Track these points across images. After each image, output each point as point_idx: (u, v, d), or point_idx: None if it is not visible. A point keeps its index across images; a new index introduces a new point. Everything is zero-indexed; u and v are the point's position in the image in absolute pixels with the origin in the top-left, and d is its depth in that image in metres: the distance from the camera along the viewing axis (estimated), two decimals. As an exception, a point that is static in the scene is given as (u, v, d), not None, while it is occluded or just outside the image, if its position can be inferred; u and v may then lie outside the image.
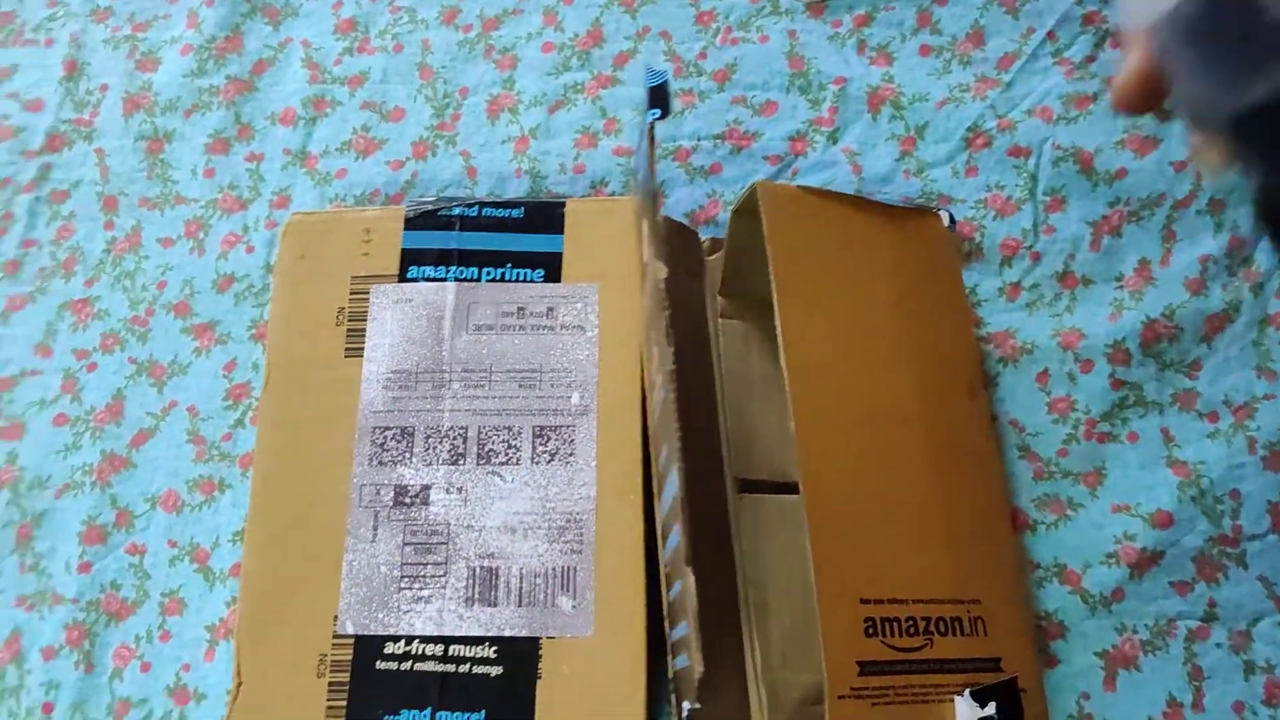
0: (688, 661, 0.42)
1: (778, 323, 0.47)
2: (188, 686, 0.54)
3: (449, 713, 0.45)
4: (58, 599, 0.56)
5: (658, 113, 0.44)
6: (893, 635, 0.47)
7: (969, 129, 0.61)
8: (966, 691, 0.46)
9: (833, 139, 0.62)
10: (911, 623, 0.47)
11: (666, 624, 0.46)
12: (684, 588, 0.42)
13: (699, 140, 0.62)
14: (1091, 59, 0.62)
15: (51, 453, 0.59)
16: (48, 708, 0.54)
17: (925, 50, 0.63)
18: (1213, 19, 0.24)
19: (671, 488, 0.44)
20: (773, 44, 0.64)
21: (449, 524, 0.48)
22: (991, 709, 0.45)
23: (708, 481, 0.51)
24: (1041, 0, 0.63)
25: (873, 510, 0.49)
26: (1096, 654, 0.51)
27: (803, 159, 0.61)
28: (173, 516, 0.57)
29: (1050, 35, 0.62)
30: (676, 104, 0.62)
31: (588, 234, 0.53)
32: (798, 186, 0.55)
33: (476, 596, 0.47)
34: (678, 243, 0.54)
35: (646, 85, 0.44)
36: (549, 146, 0.63)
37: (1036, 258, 0.58)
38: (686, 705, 0.42)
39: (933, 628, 0.47)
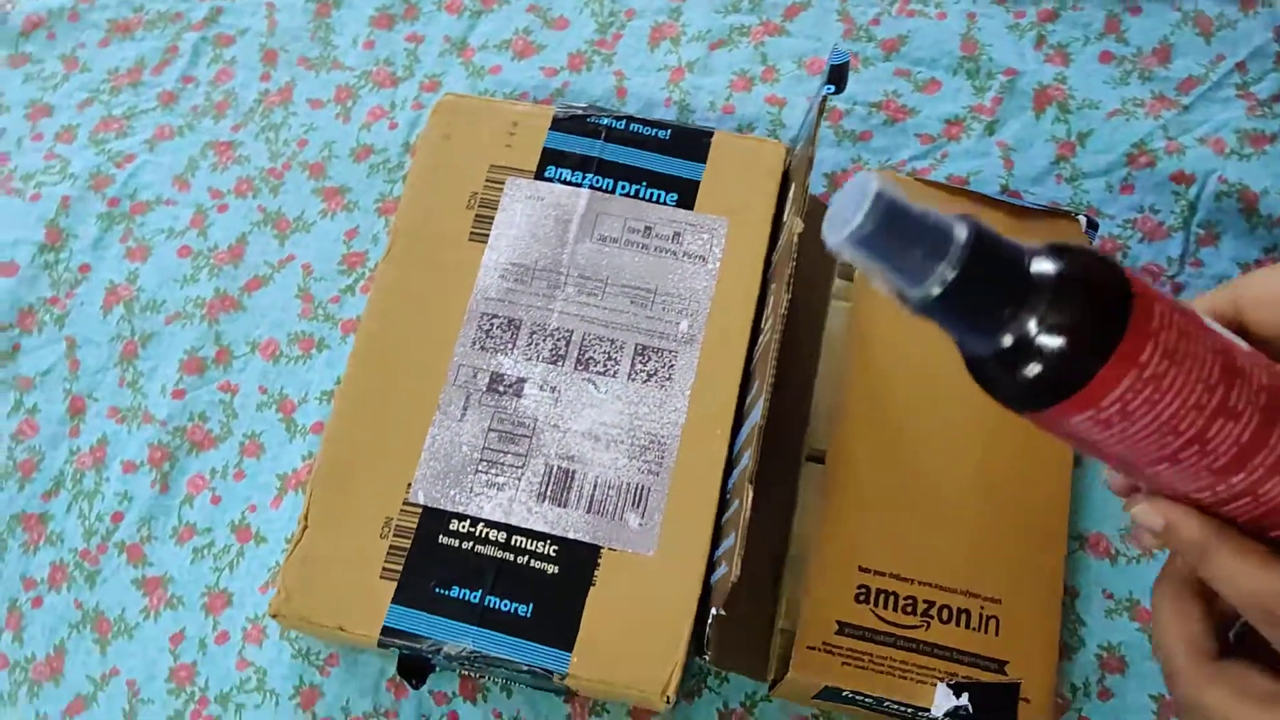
0: (726, 570, 0.42)
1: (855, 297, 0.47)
2: (251, 526, 0.55)
3: (498, 598, 0.46)
4: (148, 418, 0.57)
5: (833, 89, 0.44)
6: (885, 608, 0.47)
7: (1134, 145, 0.59)
8: (943, 685, 0.46)
9: (990, 130, 0.60)
10: (910, 601, 0.47)
11: (716, 542, 0.46)
12: (740, 504, 0.42)
13: (854, 104, 0.61)
14: (1277, 99, 0.59)
15: (170, 280, 0.61)
16: (117, 517, 0.56)
17: (1106, 57, 0.61)
18: (884, 234, 0.28)
19: (754, 418, 0.44)
20: (949, 23, 0.62)
21: (536, 420, 0.48)
22: (964, 700, 0.45)
23: (788, 442, 0.50)
24: (1238, 29, 0.60)
25: (901, 488, 0.49)
26: (1151, 696, 0.49)
27: (955, 144, 0.60)
28: (269, 364, 0.58)
29: (1240, 66, 0.60)
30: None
31: (728, 168, 0.53)
32: (918, 179, 0.54)
33: (548, 494, 0.47)
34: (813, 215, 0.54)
35: (830, 62, 0.44)
36: (703, 83, 0.62)
37: (1178, 288, 0.56)
38: (714, 611, 0.42)
39: (934, 612, 0.47)
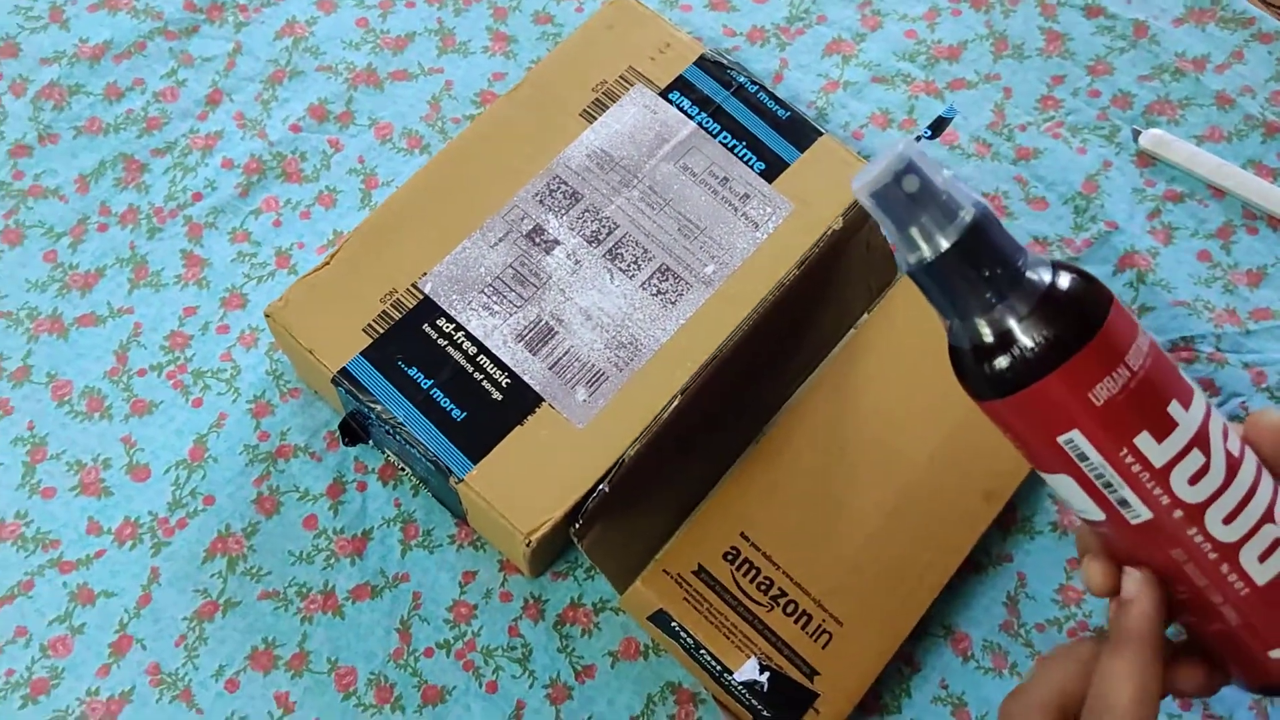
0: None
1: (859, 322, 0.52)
2: (291, 258, 0.62)
3: (443, 394, 0.51)
4: (262, 135, 0.65)
5: (930, 134, 0.48)
6: (744, 575, 0.51)
7: (1183, 338, 0.61)
8: (755, 659, 0.49)
9: (1068, 264, 0.63)
10: (768, 583, 0.51)
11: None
12: (661, 412, 0.47)
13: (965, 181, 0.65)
14: (1336, 367, 0.61)
15: (333, 39, 0.68)
16: (197, 196, 0.63)
17: (1203, 255, 0.63)
18: (898, 191, 0.31)
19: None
20: (1085, 159, 0.66)
21: (550, 277, 0.54)
22: (764, 678, 0.49)
23: (752, 419, 0.55)
24: (1334, 290, 0.62)
25: (818, 490, 0.53)
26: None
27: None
28: (375, 143, 0.65)
29: (1317, 321, 0.62)
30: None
31: (819, 166, 0.57)
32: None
33: (526, 339, 0.53)
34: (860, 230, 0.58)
35: (941, 113, 0.49)
36: (849, 104, 0.67)
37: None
38: (601, 487, 0.47)
39: (782, 602, 0.51)
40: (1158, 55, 0.68)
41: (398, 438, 0.51)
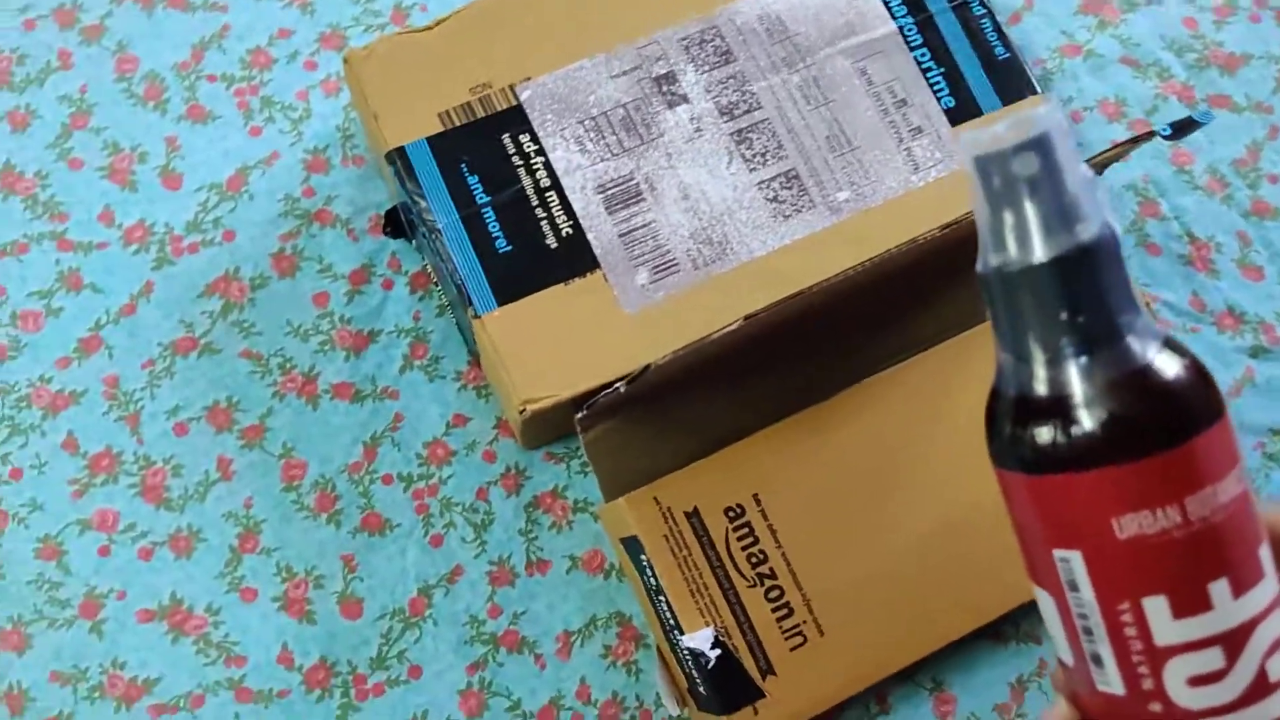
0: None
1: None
2: (408, 15, 0.55)
3: (494, 217, 0.45)
4: None
5: (1169, 132, 0.39)
6: (738, 540, 0.44)
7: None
8: (713, 631, 0.43)
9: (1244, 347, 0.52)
10: (760, 557, 0.44)
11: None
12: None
13: (1176, 218, 0.54)
14: None
15: None
16: None
17: None
18: (1010, 160, 0.24)
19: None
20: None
21: (661, 136, 0.46)
22: (713, 654, 0.42)
23: (827, 380, 0.47)
24: None
25: (851, 479, 0.45)
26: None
27: (1196, 333, 0.53)
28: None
29: None
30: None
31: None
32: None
33: (607, 193, 0.45)
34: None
35: (1192, 114, 0.39)
36: (1083, 76, 0.56)
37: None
38: (619, 386, 0.40)
39: (767, 584, 0.44)
40: None
41: (433, 246, 0.45)
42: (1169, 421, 0.24)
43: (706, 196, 0.46)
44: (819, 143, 0.47)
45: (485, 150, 0.45)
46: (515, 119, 0.46)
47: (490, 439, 0.50)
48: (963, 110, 0.47)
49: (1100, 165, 0.44)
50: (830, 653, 0.44)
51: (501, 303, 0.44)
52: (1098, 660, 0.26)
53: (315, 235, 0.51)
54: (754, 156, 0.46)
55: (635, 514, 0.44)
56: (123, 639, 0.46)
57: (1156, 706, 0.25)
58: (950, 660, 0.48)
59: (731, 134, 0.46)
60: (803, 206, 0.46)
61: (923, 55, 0.48)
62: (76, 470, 0.48)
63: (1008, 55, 0.48)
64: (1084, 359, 0.24)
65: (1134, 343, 0.24)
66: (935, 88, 0.48)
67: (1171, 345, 0.25)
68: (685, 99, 0.47)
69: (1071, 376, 0.24)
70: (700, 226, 0.45)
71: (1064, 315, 0.24)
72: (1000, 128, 0.24)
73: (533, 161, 0.45)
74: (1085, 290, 0.24)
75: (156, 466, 0.48)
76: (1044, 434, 0.25)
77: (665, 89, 0.47)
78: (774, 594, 0.44)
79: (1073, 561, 0.25)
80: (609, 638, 0.49)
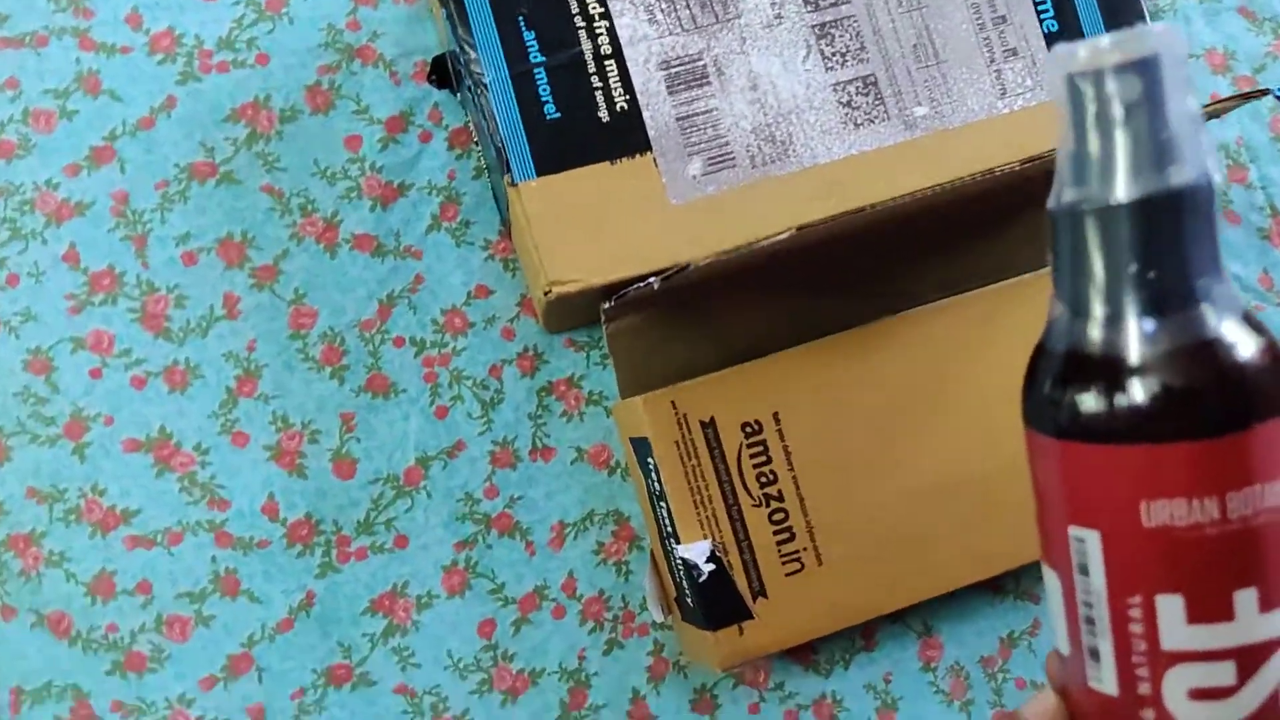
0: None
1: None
2: None
3: (545, 79, 0.42)
4: None
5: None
6: (751, 456, 0.42)
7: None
8: (709, 544, 0.41)
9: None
10: (770, 477, 0.43)
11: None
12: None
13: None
14: None
15: None
16: None
17: None
18: (1108, 82, 0.21)
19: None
20: None
21: (739, 16, 0.43)
22: (707, 568, 0.41)
23: (885, 295, 0.44)
24: None
25: (878, 411, 0.43)
26: None
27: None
28: None
29: None
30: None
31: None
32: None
33: (671, 71, 0.42)
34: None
35: None
36: (1196, 22, 0.52)
37: None
38: (652, 281, 0.38)
39: (770, 505, 0.43)
40: None
41: (477, 102, 0.42)
42: (1226, 405, 0.21)
43: (776, 90, 0.42)
44: (904, 50, 0.43)
45: (547, 5, 0.42)
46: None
47: (512, 316, 0.48)
48: (1065, 36, 0.44)
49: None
50: (826, 584, 0.43)
51: (541, 172, 0.41)
52: (1095, 655, 0.23)
53: (355, 73, 0.48)
54: (833, 54, 0.43)
55: (650, 415, 0.42)
56: (105, 465, 0.45)
57: (1149, 714, 0.23)
58: (943, 606, 0.47)
59: (814, 26, 0.43)
60: (876, 117, 0.43)
61: (1032, -29, 0.44)
62: (75, 285, 0.46)
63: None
64: (1146, 320, 0.22)
65: (1206, 312, 0.22)
66: (1040, 7, 0.44)
67: (1250, 321, 0.22)
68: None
69: (1128, 337, 0.22)
70: (765, 122, 0.42)
71: (1134, 267, 0.21)
72: (1104, 41, 0.21)
73: (596, 25, 0.42)
74: (1164, 243, 0.21)
75: (160, 294, 0.46)
76: (1084, 397, 0.22)
77: (750, -33, 0.43)
78: (778, 517, 0.43)
79: (1089, 542, 0.23)
80: (604, 535, 0.47)
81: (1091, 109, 0.21)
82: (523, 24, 0.42)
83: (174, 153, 0.47)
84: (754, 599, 0.42)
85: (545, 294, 0.41)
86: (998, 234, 0.44)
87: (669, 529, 0.43)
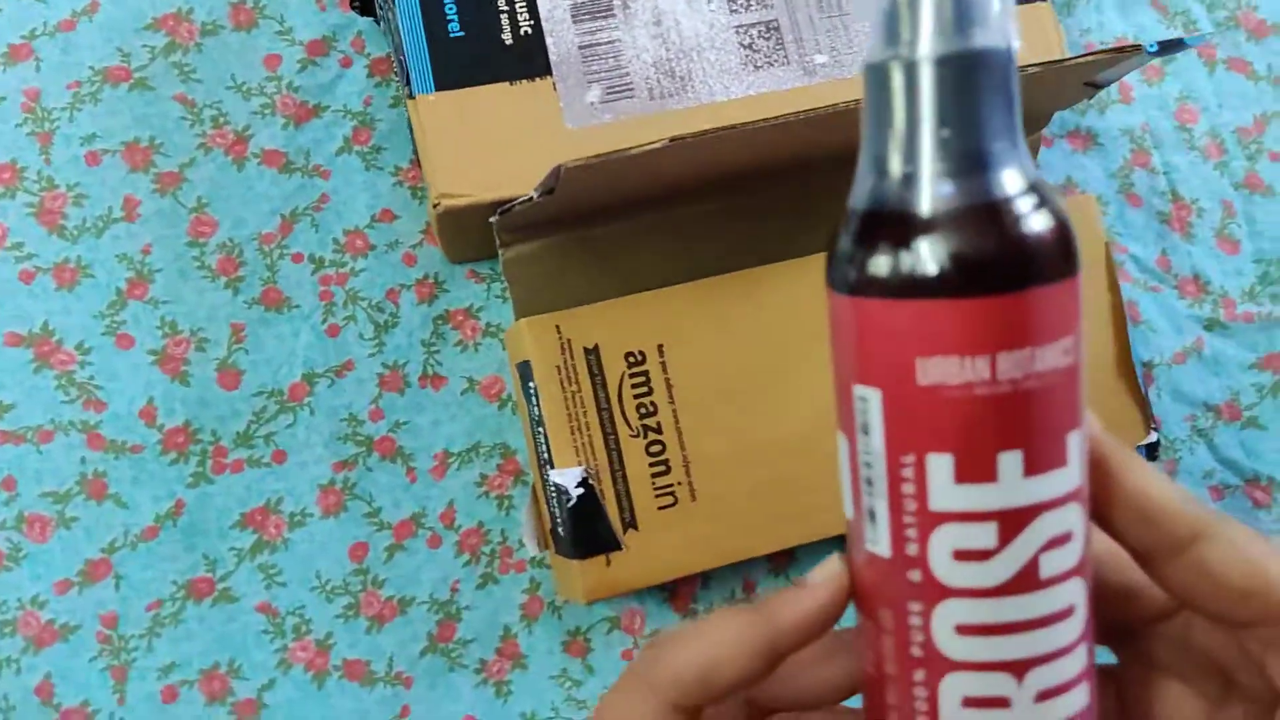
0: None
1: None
2: None
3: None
4: None
5: (1155, 49, 0.37)
6: (632, 386, 0.42)
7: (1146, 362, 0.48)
8: (582, 470, 0.41)
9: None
10: (650, 408, 0.43)
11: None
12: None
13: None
14: None
15: None
16: None
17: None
18: None
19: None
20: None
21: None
22: (576, 492, 0.41)
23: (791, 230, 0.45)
24: None
25: (764, 351, 0.43)
26: None
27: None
28: None
29: None
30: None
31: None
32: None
33: (579, 2, 0.43)
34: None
35: (1185, 38, 0.36)
36: (1107, 11, 0.53)
37: None
38: (532, 192, 0.38)
39: (647, 436, 0.42)
40: None
41: (386, 17, 0.43)
42: (1001, 265, 0.21)
43: (679, 27, 0.43)
44: (810, -1, 0.44)
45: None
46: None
47: (415, 242, 0.48)
48: None
49: (1091, 83, 0.42)
50: (698, 520, 0.42)
51: (440, 88, 0.42)
52: (872, 516, 0.23)
53: (277, -6, 0.49)
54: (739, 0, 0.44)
55: (532, 337, 0.42)
56: (-15, 354, 0.45)
57: (916, 575, 0.23)
58: (824, 556, 0.46)
59: (723, -27, 0.44)
60: (776, 61, 0.43)
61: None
62: (-24, 175, 0.46)
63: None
64: (933, 178, 0.22)
65: (994, 176, 0.22)
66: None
67: (1039, 191, 0.23)
68: (683, -76, 0.44)
69: (914, 194, 0.22)
70: (665, 57, 0.43)
71: (926, 124, 0.22)
72: None
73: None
74: (957, 103, 0.22)
75: (59, 191, 0.46)
76: (872, 253, 0.22)
77: (665, -91, 0.44)
78: (655, 449, 0.42)
79: (870, 401, 0.23)
80: (488, 467, 0.47)
81: None
82: (435, -59, 0.42)
83: (90, 56, 0.47)
84: (624, 530, 0.42)
85: (435, 206, 0.41)
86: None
87: (545, 455, 0.42)
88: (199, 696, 0.44)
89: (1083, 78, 0.40)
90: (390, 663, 0.45)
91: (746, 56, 0.43)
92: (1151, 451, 0.44)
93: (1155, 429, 0.45)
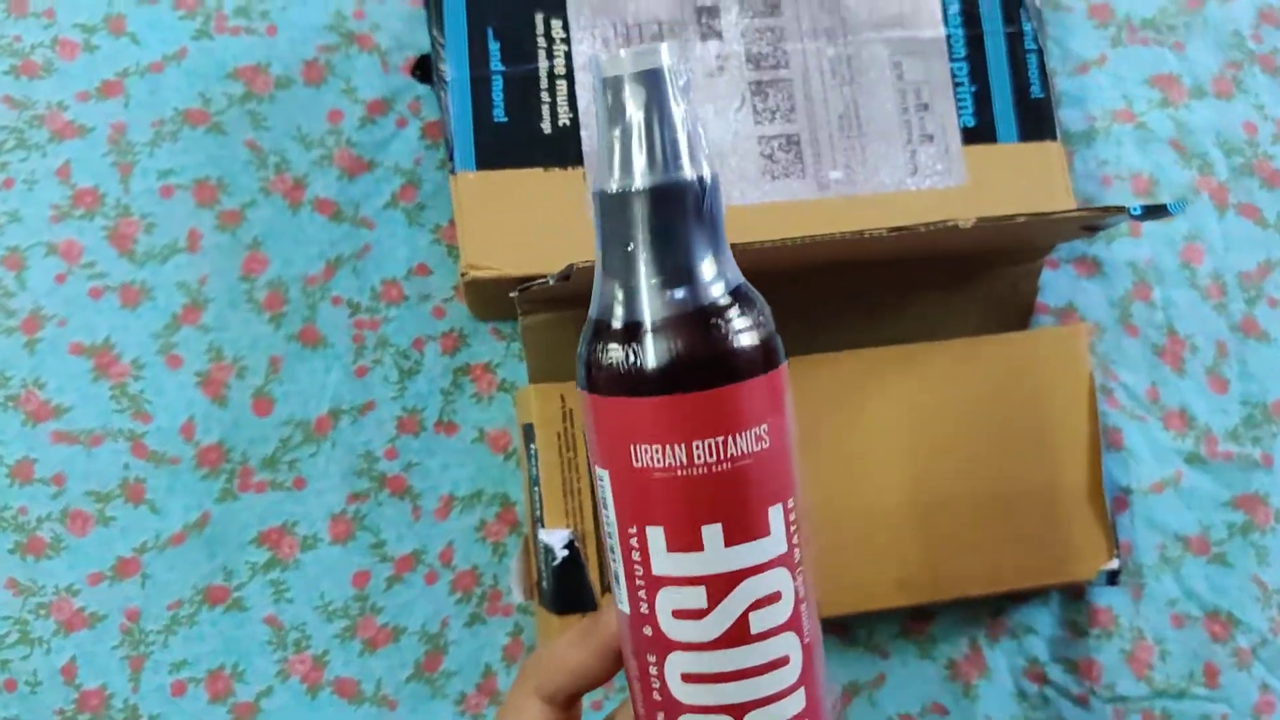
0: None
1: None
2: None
3: (501, 85, 0.46)
4: None
5: (1139, 212, 0.40)
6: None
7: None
8: (569, 533, 0.44)
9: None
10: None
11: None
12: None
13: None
14: None
15: None
16: None
17: None
18: (615, 90, 0.25)
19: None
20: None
21: (687, 61, 0.47)
22: (562, 554, 0.44)
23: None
24: None
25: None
26: None
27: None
28: None
29: None
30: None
31: (1022, 165, 0.48)
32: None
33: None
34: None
35: (1169, 204, 0.39)
36: (1126, 145, 0.55)
37: None
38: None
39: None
40: None
41: (438, 95, 0.46)
42: (688, 367, 0.25)
43: (706, 133, 0.46)
44: (831, 118, 0.47)
45: (516, 21, 0.46)
46: (555, 3, 0.47)
47: (446, 297, 0.52)
48: (979, 133, 0.48)
49: (1088, 226, 0.44)
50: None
51: (481, 167, 0.45)
52: (617, 579, 0.28)
53: (351, 56, 0.53)
54: (764, 110, 0.47)
55: (538, 403, 0.45)
56: (50, 362, 0.49)
57: (649, 630, 0.27)
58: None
59: (751, 82, 0.47)
60: (793, 173, 0.46)
61: (960, 69, 0.48)
62: (61, 197, 0.50)
63: (1042, 96, 0.48)
64: (636, 293, 0.26)
65: (686, 290, 0.26)
66: (960, 103, 0.48)
67: (737, 299, 0.26)
68: (719, 35, 0.47)
69: (620, 307, 0.26)
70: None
71: (625, 245, 0.26)
72: (625, 53, 0.25)
73: (555, 47, 0.46)
74: (649, 227, 0.25)
75: (133, 218, 0.51)
76: (595, 356, 0.26)
77: (704, 20, 0.47)
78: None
79: (604, 480, 0.27)
80: (488, 514, 0.51)
81: (612, 108, 0.26)
82: (491, 34, 0.46)
83: (174, 97, 0.52)
84: (603, 593, 0.45)
85: (463, 275, 0.45)
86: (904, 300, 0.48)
87: (539, 514, 0.46)
88: (203, 694, 0.48)
89: (1073, 225, 0.43)
90: (379, 685, 0.49)
91: (765, 166, 0.46)
92: (1112, 577, 0.46)
93: (1118, 555, 0.47)
